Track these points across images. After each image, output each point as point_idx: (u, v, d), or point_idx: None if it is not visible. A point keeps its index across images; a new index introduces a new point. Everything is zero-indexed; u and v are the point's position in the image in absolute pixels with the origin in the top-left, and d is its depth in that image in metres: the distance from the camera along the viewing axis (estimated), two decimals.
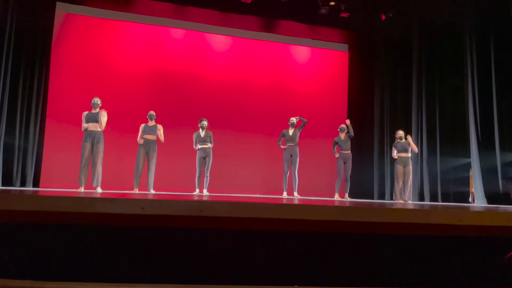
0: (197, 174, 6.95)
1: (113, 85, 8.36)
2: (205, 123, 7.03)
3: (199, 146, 6.95)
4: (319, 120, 9.34)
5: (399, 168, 7.20)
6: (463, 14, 7.82)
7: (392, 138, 9.03)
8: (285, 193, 7.25)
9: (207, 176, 6.95)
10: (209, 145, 6.95)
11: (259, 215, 2.20)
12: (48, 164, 7.70)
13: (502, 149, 7.06)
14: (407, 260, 2.47)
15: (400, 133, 7.35)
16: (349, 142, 7.43)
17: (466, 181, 8.09)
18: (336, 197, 7.38)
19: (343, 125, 7.50)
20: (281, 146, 7.37)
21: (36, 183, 7.46)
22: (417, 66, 8.75)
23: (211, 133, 7.05)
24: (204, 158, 6.94)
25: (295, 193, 7.19)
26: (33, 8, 7.55)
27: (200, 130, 7.01)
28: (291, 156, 7.24)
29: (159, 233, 2.29)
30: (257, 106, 9.24)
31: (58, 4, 8.00)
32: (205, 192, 6.91)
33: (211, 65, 9.13)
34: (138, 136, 6.49)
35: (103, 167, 6.03)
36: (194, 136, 7.03)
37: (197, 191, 6.88)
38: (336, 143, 7.46)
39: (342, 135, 7.44)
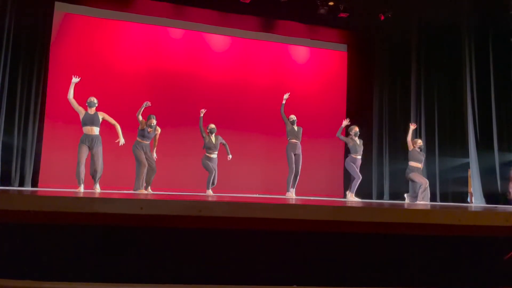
0: (210, 175, 6.88)
1: (112, 85, 8.34)
2: (213, 126, 6.90)
3: (208, 154, 6.88)
4: (317, 120, 9.33)
5: (416, 174, 6.84)
6: (462, 14, 7.83)
7: (392, 138, 9.04)
8: (293, 191, 7.07)
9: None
10: (216, 154, 6.88)
11: (258, 215, 2.20)
12: (47, 164, 7.68)
13: (501, 149, 7.07)
14: (406, 260, 2.48)
15: (420, 142, 7.03)
16: (361, 144, 7.15)
17: (464, 181, 8.10)
18: (352, 197, 7.14)
19: (357, 129, 7.12)
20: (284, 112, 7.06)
21: (34, 183, 7.44)
22: (415, 66, 8.75)
23: (220, 139, 6.96)
24: (212, 165, 6.88)
25: (293, 192, 7.12)
26: (31, 8, 7.53)
27: (209, 135, 6.88)
28: (294, 155, 7.10)
29: (157, 233, 2.29)
30: (256, 106, 9.23)
31: (57, 4, 7.98)
32: (209, 192, 6.90)
33: (210, 65, 9.12)
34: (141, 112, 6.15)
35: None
36: (206, 140, 6.90)
37: (210, 192, 6.87)
38: (347, 144, 7.21)
39: (357, 140, 7.09)
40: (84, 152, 5.68)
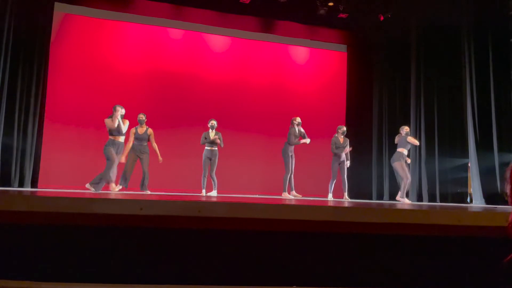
0: (203, 175, 6.89)
1: (111, 86, 8.34)
2: (214, 123, 6.97)
3: (207, 148, 6.91)
4: (317, 120, 9.34)
5: (401, 164, 7.04)
6: (462, 14, 7.83)
7: (392, 139, 9.02)
8: (294, 193, 7.15)
9: (212, 177, 6.89)
10: (216, 147, 6.93)
11: (257, 215, 2.20)
12: (46, 164, 7.67)
13: (500, 149, 7.07)
14: (406, 260, 2.48)
15: (406, 128, 7.26)
16: (347, 143, 7.33)
17: (464, 182, 8.10)
18: (330, 197, 7.27)
19: (344, 128, 7.31)
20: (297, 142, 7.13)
21: (34, 184, 7.43)
22: (415, 67, 8.75)
23: (220, 134, 6.99)
24: (210, 159, 6.91)
25: (294, 192, 7.12)
26: (31, 8, 7.52)
27: (210, 130, 6.96)
28: (290, 156, 7.13)
29: (157, 233, 2.29)
30: (255, 107, 9.23)
31: (57, 4, 7.97)
32: (215, 193, 6.85)
33: (210, 65, 9.12)
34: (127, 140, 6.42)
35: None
36: (203, 136, 6.97)
37: (203, 192, 6.83)
38: (334, 143, 7.36)
39: (341, 139, 7.29)
40: (114, 155, 5.84)
